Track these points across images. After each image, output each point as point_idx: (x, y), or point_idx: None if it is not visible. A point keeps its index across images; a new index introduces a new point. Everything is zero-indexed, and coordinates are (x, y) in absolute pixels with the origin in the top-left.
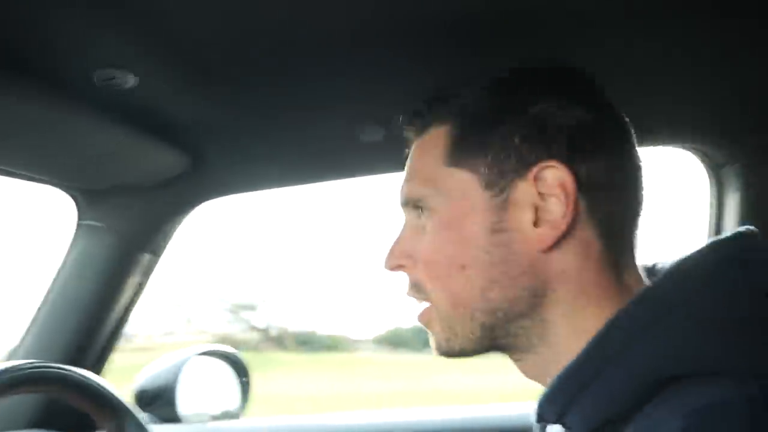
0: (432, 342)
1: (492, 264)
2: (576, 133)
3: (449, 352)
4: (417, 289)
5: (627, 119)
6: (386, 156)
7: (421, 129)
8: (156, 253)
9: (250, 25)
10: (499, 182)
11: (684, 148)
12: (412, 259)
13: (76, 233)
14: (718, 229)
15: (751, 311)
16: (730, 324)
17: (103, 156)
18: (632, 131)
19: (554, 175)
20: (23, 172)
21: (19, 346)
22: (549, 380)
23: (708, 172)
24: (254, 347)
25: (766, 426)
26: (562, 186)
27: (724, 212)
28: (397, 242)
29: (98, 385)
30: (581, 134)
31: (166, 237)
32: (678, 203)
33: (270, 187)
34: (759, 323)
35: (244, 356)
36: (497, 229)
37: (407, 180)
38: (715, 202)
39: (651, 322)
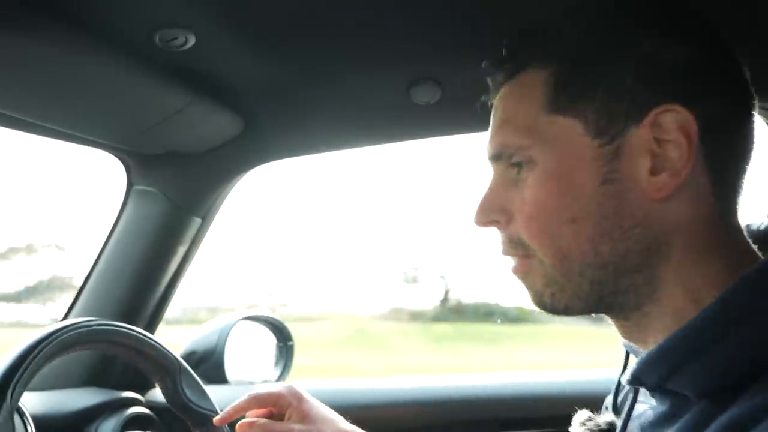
0: (531, 295)
1: (604, 216)
2: (693, 71)
3: (553, 308)
4: (516, 245)
5: (742, 62)
6: (442, 118)
7: (514, 72)
8: (207, 218)
9: None
10: (610, 129)
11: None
12: (508, 214)
13: (126, 197)
14: None
15: None
16: None
17: (158, 119)
18: (748, 78)
19: (675, 119)
20: (78, 134)
21: (72, 306)
22: (651, 341)
23: None
24: (433, 319)
25: None
26: (685, 130)
27: None
28: (488, 196)
29: (154, 341)
30: (698, 72)
31: (218, 202)
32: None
33: (322, 151)
34: None
35: (439, 329)
36: (609, 179)
37: (499, 130)
38: None
39: (766, 303)
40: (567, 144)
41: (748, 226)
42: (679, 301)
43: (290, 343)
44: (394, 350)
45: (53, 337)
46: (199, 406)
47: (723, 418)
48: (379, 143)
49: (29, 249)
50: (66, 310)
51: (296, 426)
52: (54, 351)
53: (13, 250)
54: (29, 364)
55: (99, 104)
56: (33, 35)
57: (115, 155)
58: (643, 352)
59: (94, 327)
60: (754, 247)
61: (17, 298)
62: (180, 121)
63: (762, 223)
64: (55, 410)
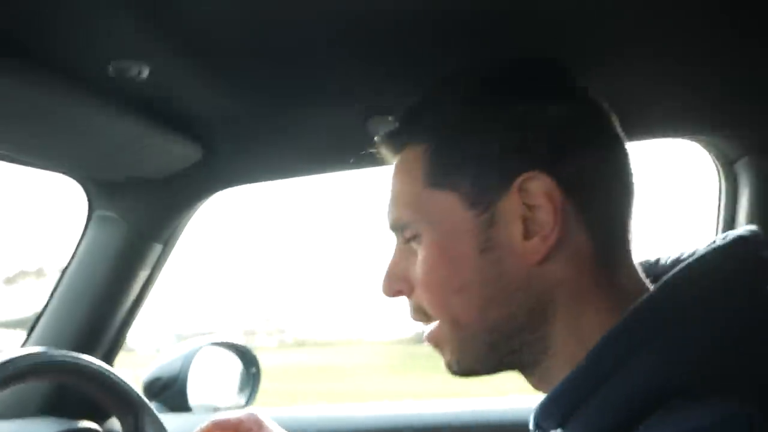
0: (444, 362)
1: (486, 283)
2: (557, 133)
3: (462, 372)
4: (420, 313)
5: (607, 109)
6: None
7: (398, 148)
8: (168, 244)
9: (261, 17)
10: (483, 199)
11: (694, 140)
12: (408, 283)
13: (87, 223)
14: (728, 226)
15: (762, 320)
16: (737, 335)
17: (116, 147)
18: (614, 120)
19: (538, 186)
20: (36, 161)
21: (31, 334)
22: None
23: (719, 167)
24: None
25: None
26: (548, 196)
27: (737, 208)
28: (391, 267)
29: (116, 377)
30: (563, 133)
31: (179, 228)
32: (684, 197)
33: (281, 178)
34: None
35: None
36: (487, 247)
37: (391, 205)
38: (726, 198)
39: (649, 335)
40: (446, 217)
41: (657, 260)
42: (573, 351)
43: (254, 369)
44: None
45: (11, 364)
46: None
47: None
48: (337, 170)
49: (39, 273)
50: (25, 337)
51: None
52: (11, 377)
53: (22, 274)
54: None
55: (55, 133)
56: None
57: (77, 181)
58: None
59: (56, 358)
60: (647, 283)
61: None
62: (138, 148)
63: (668, 258)
64: None
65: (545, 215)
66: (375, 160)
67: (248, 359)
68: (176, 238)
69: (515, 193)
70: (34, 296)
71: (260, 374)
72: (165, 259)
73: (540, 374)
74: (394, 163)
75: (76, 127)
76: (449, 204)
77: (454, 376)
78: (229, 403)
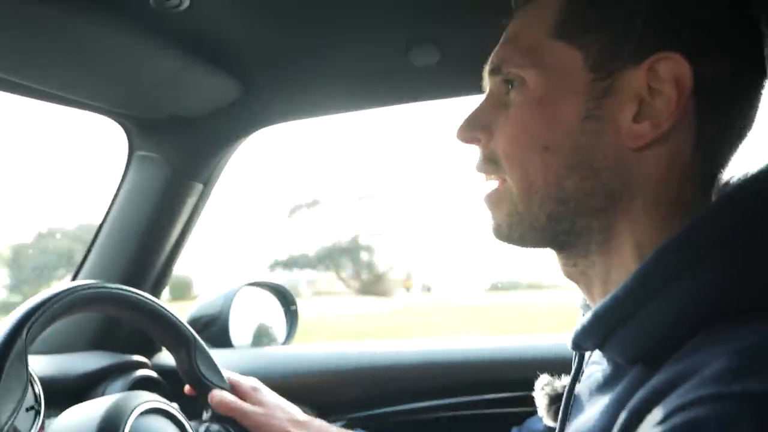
0: (492, 225)
1: (576, 151)
2: (706, 27)
3: (508, 237)
4: (491, 163)
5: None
6: (441, 80)
7: None
8: (209, 183)
9: None
10: (608, 66)
11: None
12: (490, 133)
13: (128, 163)
14: None
15: None
16: None
17: (156, 84)
18: (766, 33)
19: (671, 68)
20: (76, 98)
21: (79, 269)
22: (595, 294)
23: None
24: None
25: None
26: (678, 82)
27: None
28: (475, 113)
29: (170, 313)
30: (712, 29)
31: (219, 167)
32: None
33: (321, 114)
34: None
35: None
36: (592, 115)
37: (502, 45)
38: None
39: (699, 252)
40: (562, 72)
41: (728, 181)
42: (626, 257)
43: (293, 307)
44: None
45: (73, 291)
46: (212, 382)
47: (648, 386)
48: (378, 106)
49: None
50: (73, 273)
51: (247, 405)
52: (72, 305)
53: None
54: (47, 310)
55: (96, 67)
56: (26, 1)
57: (116, 120)
58: (582, 318)
59: (114, 290)
60: None
61: None
62: (178, 84)
63: (733, 177)
64: (62, 373)
65: (664, 103)
66: (420, 94)
67: (286, 298)
68: (217, 177)
69: (643, 71)
70: None
71: (298, 313)
72: (206, 198)
73: (584, 267)
74: (521, 10)
75: (116, 62)
76: (571, 59)
77: (499, 239)
78: (270, 340)
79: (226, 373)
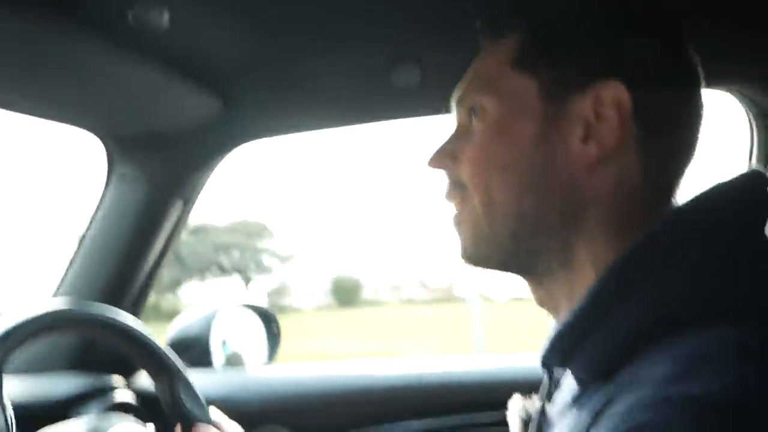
0: (460, 248)
1: (531, 170)
2: (644, 62)
3: (474, 258)
4: (457, 187)
5: (695, 56)
6: (423, 99)
7: (495, 37)
8: (189, 199)
9: None
10: (558, 92)
11: (728, 91)
12: (456, 160)
13: (108, 180)
14: None
15: (761, 252)
16: (735, 266)
17: (137, 100)
18: (700, 74)
19: (612, 95)
20: (57, 115)
21: (58, 288)
22: (562, 312)
23: (752, 118)
24: None
25: (755, 374)
26: (619, 106)
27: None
28: (444, 143)
29: (151, 340)
30: (650, 64)
31: (200, 183)
32: (716, 148)
33: (303, 131)
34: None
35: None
36: (543, 137)
37: (466, 79)
38: (758, 150)
39: (646, 268)
40: (518, 99)
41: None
42: (586, 274)
43: (275, 326)
44: None
45: (52, 313)
46: (195, 415)
47: (597, 399)
48: (359, 123)
49: None
50: (53, 291)
51: None
52: (49, 327)
53: None
54: (23, 332)
55: (75, 84)
56: (6, 16)
57: (97, 136)
58: (548, 336)
59: (95, 315)
60: None
61: None
62: (159, 101)
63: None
64: (37, 395)
65: (608, 126)
66: (400, 112)
67: (267, 318)
68: (197, 194)
69: (589, 97)
70: None
71: (280, 333)
72: (187, 215)
73: (549, 286)
74: (484, 49)
75: (97, 79)
76: (526, 88)
77: (466, 261)
78: (252, 361)
79: (212, 411)
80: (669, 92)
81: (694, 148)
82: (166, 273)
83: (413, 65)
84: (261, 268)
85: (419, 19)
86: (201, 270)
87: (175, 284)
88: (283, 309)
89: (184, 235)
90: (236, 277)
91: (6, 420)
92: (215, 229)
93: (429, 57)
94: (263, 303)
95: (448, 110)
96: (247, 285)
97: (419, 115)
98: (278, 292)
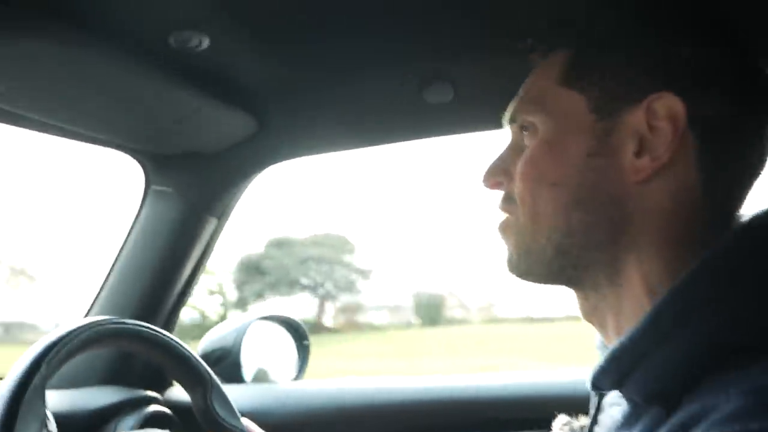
0: (506, 257)
1: (581, 186)
2: (699, 68)
3: (519, 270)
4: (508, 201)
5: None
6: (455, 116)
7: (543, 53)
8: (223, 217)
9: None
10: (608, 107)
11: None
12: (509, 177)
13: (144, 198)
14: None
15: None
16: None
17: (174, 120)
18: (765, 79)
19: (666, 107)
20: (94, 135)
21: (93, 304)
22: (610, 329)
23: None
24: None
25: None
26: (673, 118)
27: None
28: (497, 160)
29: (187, 350)
30: (705, 70)
31: (233, 201)
32: None
33: (335, 150)
34: None
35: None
36: (595, 153)
37: (518, 98)
38: None
39: (712, 290)
40: (567, 116)
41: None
42: (636, 291)
43: (306, 342)
44: None
45: (90, 327)
46: (228, 424)
47: (664, 428)
48: (392, 142)
49: None
50: (88, 308)
51: None
52: (89, 341)
53: None
54: (65, 346)
55: (114, 105)
56: (47, 37)
57: (133, 156)
58: (600, 359)
59: (131, 327)
60: None
61: None
62: (195, 121)
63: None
64: (75, 408)
65: (662, 139)
66: (433, 131)
67: (298, 333)
68: (230, 211)
69: (642, 110)
70: None
71: (310, 347)
72: (219, 232)
73: (595, 301)
74: (535, 68)
75: (135, 99)
76: (575, 104)
77: (511, 273)
78: (281, 376)
79: (243, 420)
80: (730, 102)
81: (763, 161)
82: (248, 287)
83: (446, 83)
84: (342, 283)
85: (450, 39)
86: (286, 283)
87: (258, 298)
88: (360, 327)
89: (269, 249)
90: (318, 291)
91: None
92: (299, 242)
93: (461, 75)
94: (338, 319)
95: (481, 127)
96: (327, 300)
97: (453, 133)
98: (357, 309)
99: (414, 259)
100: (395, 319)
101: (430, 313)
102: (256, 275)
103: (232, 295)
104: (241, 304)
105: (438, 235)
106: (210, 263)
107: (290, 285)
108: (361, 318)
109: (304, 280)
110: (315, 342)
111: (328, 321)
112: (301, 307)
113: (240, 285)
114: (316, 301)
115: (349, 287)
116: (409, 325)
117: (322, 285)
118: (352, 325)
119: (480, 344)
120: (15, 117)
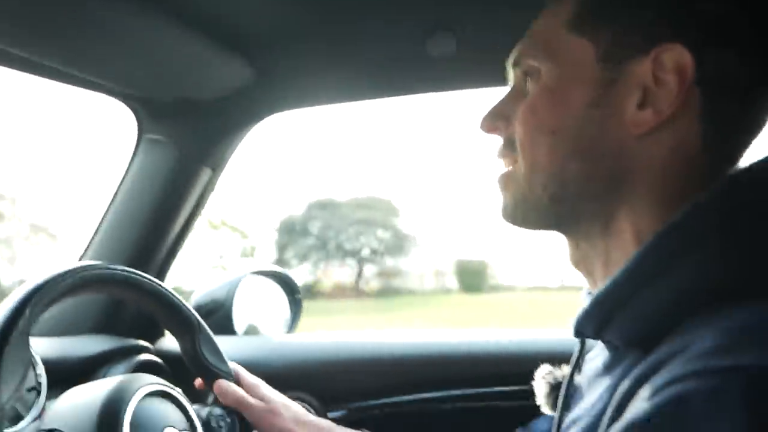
0: (501, 206)
1: (580, 136)
2: (712, 20)
3: (514, 218)
4: (507, 147)
5: None
6: (458, 71)
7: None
8: (218, 168)
9: None
10: (616, 56)
11: None
12: (508, 122)
13: (137, 146)
14: None
15: None
16: None
17: (168, 65)
18: None
19: (674, 59)
20: (87, 77)
21: (85, 251)
22: (597, 277)
23: None
24: None
25: None
26: (680, 71)
27: None
28: (497, 104)
29: (176, 297)
30: (718, 22)
31: (228, 152)
32: None
33: (335, 102)
34: None
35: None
36: (597, 103)
37: (523, 41)
38: None
39: (698, 237)
40: (574, 63)
41: None
42: (626, 241)
43: (298, 296)
44: None
45: (78, 271)
46: (217, 369)
47: (640, 366)
48: (392, 95)
49: None
50: (80, 255)
51: (251, 398)
52: (76, 285)
53: None
54: (51, 290)
55: (107, 47)
56: None
57: (126, 103)
58: (585, 302)
59: (120, 272)
60: None
61: None
62: (190, 67)
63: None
64: (64, 355)
65: (667, 92)
66: (436, 85)
67: (290, 287)
68: (226, 162)
69: (649, 60)
70: None
71: (302, 301)
72: (214, 183)
73: (586, 250)
74: (543, 10)
75: (129, 42)
76: (582, 52)
77: (506, 220)
78: (273, 329)
79: (231, 365)
80: (741, 62)
81: (764, 119)
82: (290, 249)
83: (448, 34)
84: (387, 247)
85: None
86: (332, 246)
87: (302, 258)
88: (399, 291)
89: (314, 210)
90: (361, 254)
91: (37, 376)
92: (343, 204)
93: (464, 25)
94: (378, 283)
95: (485, 83)
96: (370, 263)
97: (456, 88)
98: (397, 273)
99: (457, 224)
100: (438, 285)
101: (472, 278)
102: (298, 237)
103: (270, 257)
104: (282, 266)
105: (482, 201)
106: (244, 225)
107: (336, 248)
108: (402, 283)
109: (347, 245)
110: (353, 307)
111: (366, 285)
112: (342, 270)
113: (281, 247)
114: (356, 265)
115: (398, 250)
116: (449, 291)
117: (369, 248)
118: (392, 289)
119: (521, 313)
120: (9, 56)
